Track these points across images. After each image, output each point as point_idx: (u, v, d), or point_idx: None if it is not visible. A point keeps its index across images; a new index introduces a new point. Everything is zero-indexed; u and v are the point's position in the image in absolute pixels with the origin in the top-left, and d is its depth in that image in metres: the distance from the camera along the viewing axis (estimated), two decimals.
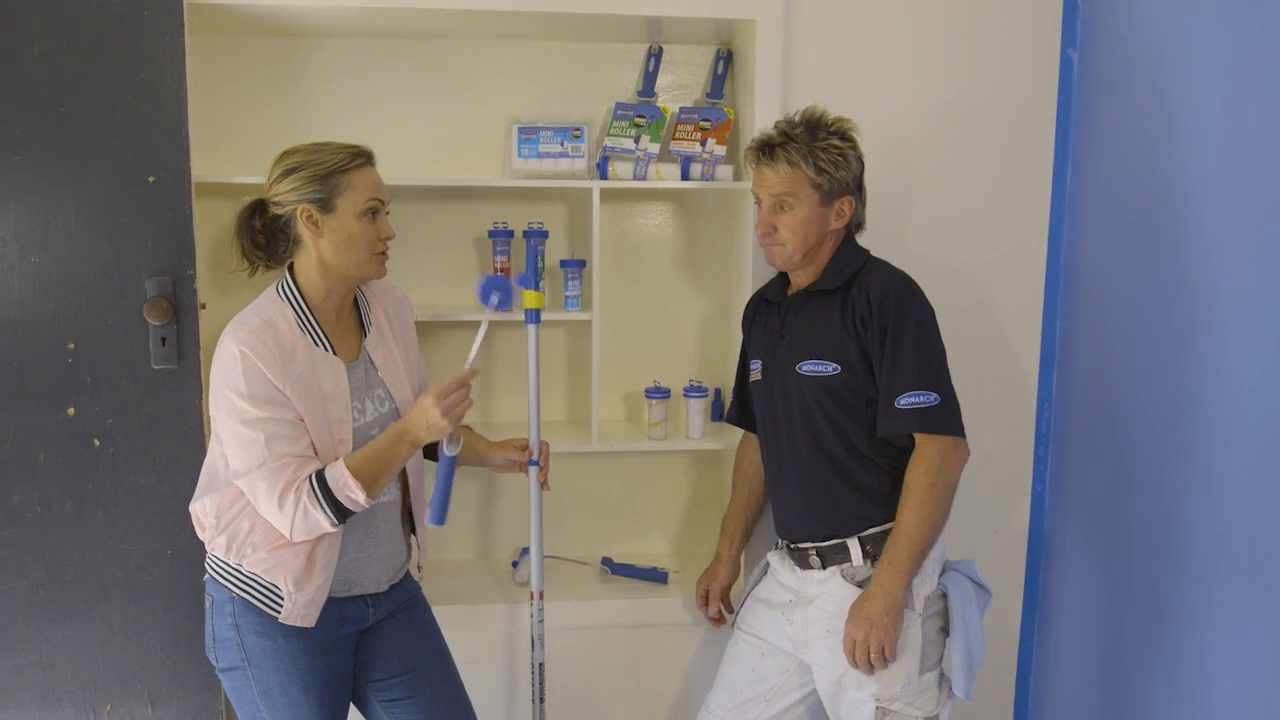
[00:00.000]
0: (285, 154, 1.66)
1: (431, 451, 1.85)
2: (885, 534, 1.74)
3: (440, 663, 1.84)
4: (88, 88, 1.87)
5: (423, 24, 2.17)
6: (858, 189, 1.83)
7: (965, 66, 2.19)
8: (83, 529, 1.95)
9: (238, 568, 1.63)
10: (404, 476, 1.79)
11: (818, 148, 1.76)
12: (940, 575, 1.76)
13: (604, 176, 2.21)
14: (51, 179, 1.88)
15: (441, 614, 1.90)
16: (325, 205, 1.62)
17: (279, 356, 1.57)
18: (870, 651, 1.68)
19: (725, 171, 2.23)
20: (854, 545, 1.76)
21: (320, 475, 1.57)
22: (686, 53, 2.35)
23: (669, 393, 2.29)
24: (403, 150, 2.25)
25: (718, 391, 2.37)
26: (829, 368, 1.76)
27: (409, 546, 1.84)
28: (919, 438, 1.72)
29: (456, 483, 1.76)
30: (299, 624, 1.62)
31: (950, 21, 2.18)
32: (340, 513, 1.57)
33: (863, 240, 1.88)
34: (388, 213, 1.71)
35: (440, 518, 1.66)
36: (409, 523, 1.83)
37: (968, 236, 2.24)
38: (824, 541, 1.79)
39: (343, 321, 1.71)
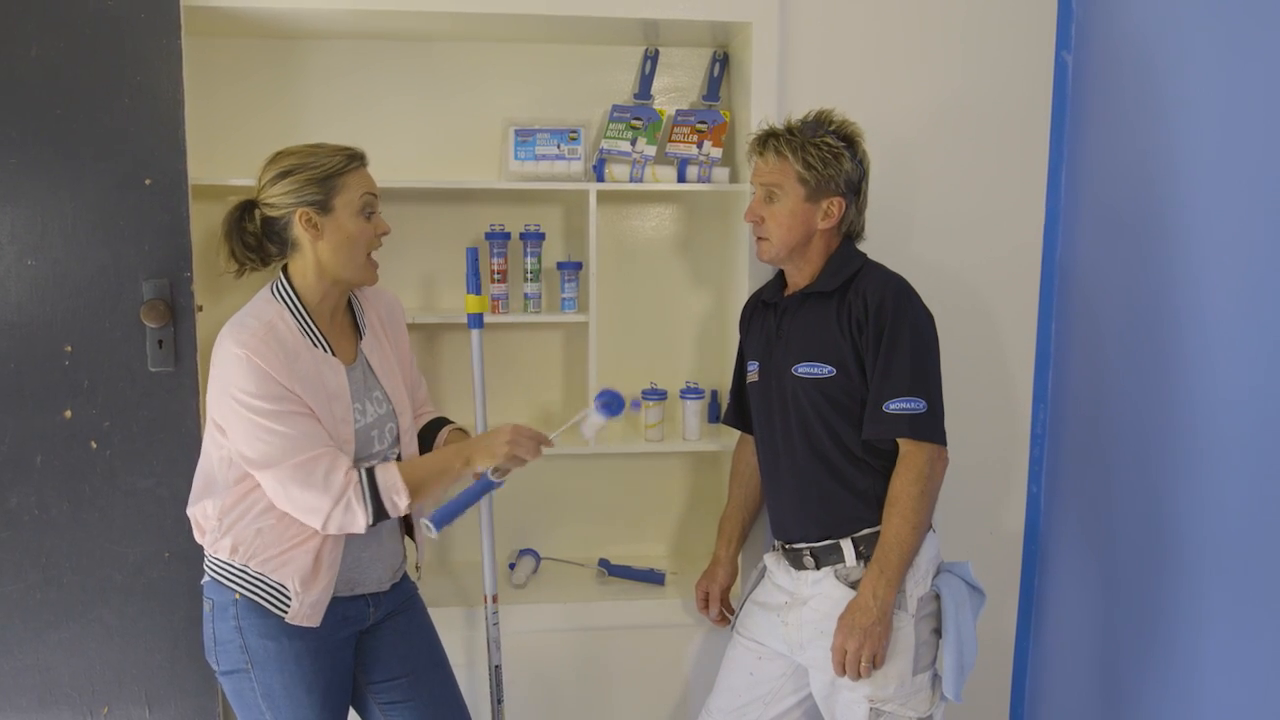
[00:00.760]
0: (278, 156, 1.65)
1: (427, 445, 1.86)
2: (878, 535, 1.74)
3: (438, 666, 1.84)
4: (85, 90, 1.87)
5: (419, 26, 2.17)
6: (853, 193, 1.82)
7: (960, 69, 2.20)
8: (80, 531, 1.95)
9: (244, 568, 1.62)
10: None
11: (810, 143, 1.77)
12: (934, 577, 1.77)
13: (600, 179, 2.21)
14: (48, 181, 1.88)
15: (435, 616, 1.90)
16: (323, 207, 1.62)
17: (283, 357, 1.57)
18: (861, 661, 1.69)
19: (721, 174, 2.24)
20: (848, 546, 1.77)
21: (371, 474, 1.58)
22: (683, 55, 2.36)
23: (665, 394, 2.30)
24: (399, 152, 2.25)
25: (714, 393, 2.38)
26: (824, 370, 1.77)
27: (403, 546, 1.84)
28: (906, 444, 1.72)
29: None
30: (305, 624, 1.62)
31: (945, 24, 2.19)
32: (379, 514, 1.59)
33: (858, 243, 1.89)
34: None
35: (440, 525, 1.65)
36: (405, 522, 1.84)
37: (963, 239, 2.25)
38: (818, 542, 1.79)
39: (338, 324, 1.72)
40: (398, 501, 1.60)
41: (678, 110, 2.28)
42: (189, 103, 1.91)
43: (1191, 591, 1.84)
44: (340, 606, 1.68)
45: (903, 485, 1.71)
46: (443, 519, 1.65)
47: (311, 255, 1.65)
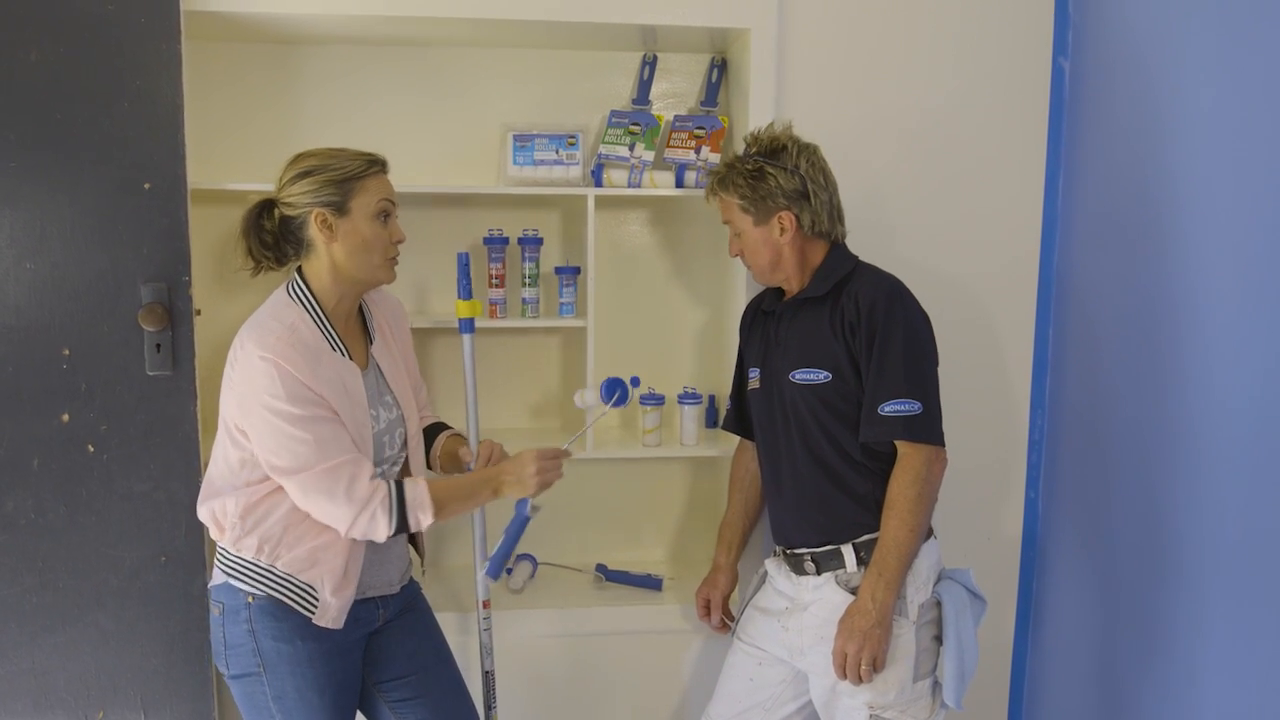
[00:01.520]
0: (300, 156, 1.66)
1: (425, 449, 1.86)
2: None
3: (444, 662, 1.85)
4: (84, 94, 1.88)
5: (418, 32, 2.18)
6: (800, 199, 1.78)
7: (957, 75, 2.21)
8: (76, 535, 1.94)
9: (269, 567, 1.61)
10: (406, 474, 1.79)
11: (734, 172, 1.80)
12: (935, 583, 1.76)
13: (599, 184, 2.22)
14: (47, 185, 1.89)
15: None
16: (340, 209, 1.63)
17: (308, 360, 1.56)
18: (861, 664, 1.68)
19: None
20: (848, 551, 1.77)
21: (400, 486, 1.60)
22: (681, 61, 2.36)
23: (663, 399, 2.30)
24: (398, 157, 2.21)
25: (712, 398, 2.38)
26: (820, 375, 1.77)
27: (408, 549, 1.85)
28: (903, 446, 1.72)
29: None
30: (330, 626, 1.63)
31: (942, 30, 2.19)
32: (401, 527, 1.60)
33: (855, 249, 1.88)
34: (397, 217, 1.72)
35: (497, 572, 1.84)
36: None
37: (960, 244, 2.25)
38: (818, 547, 1.79)
39: (350, 328, 1.72)
40: (421, 518, 1.61)
41: (676, 116, 2.29)
42: (188, 107, 1.92)
43: (1190, 596, 1.83)
44: (353, 609, 1.68)
45: (900, 488, 1.71)
46: (497, 565, 1.82)
47: (326, 257, 1.64)
